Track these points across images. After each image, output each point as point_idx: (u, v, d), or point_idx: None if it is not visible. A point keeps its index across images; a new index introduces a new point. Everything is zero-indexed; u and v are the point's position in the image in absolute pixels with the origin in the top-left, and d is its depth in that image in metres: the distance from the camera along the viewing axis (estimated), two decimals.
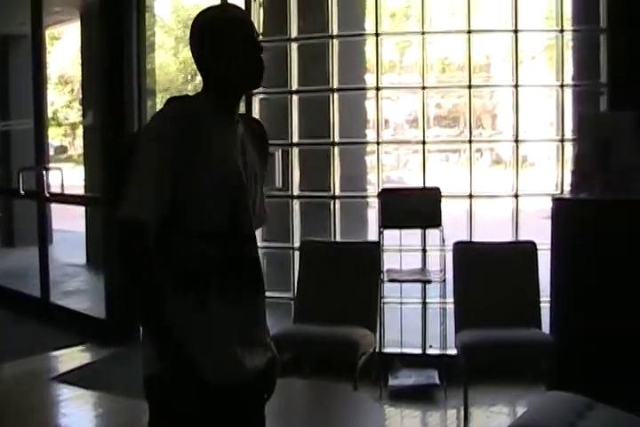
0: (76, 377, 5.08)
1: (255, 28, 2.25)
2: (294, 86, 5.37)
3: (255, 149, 2.27)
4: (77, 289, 7.74)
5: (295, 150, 5.43)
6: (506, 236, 5.17)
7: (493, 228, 5.24)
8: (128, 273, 2.04)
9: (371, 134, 5.42)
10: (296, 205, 5.43)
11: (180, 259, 2.09)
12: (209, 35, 2.17)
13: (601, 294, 4.25)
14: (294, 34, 5.36)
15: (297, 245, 5.31)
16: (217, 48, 2.15)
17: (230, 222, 2.13)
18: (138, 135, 2.50)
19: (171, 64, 20.64)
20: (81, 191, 8.22)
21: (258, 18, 5.45)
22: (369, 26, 5.40)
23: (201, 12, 2.28)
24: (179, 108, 2.13)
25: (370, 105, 5.50)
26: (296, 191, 5.42)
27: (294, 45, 5.34)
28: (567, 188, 4.87)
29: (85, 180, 8.70)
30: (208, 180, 2.07)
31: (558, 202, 4.59)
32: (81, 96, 10.15)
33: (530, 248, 4.77)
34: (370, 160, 5.43)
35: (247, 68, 2.18)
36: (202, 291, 2.09)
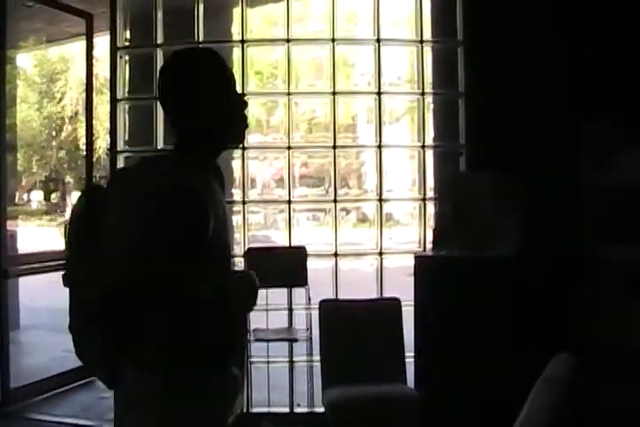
0: None
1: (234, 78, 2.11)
2: (160, 145, 5.33)
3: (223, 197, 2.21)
4: None
5: None
6: (372, 293, 5.24)
7: (359, 285, 5.30)
8: None
9: (237, 194, 5.43)
10: None
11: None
12: (187, 84, 2.03)
13: (461, 348, 4.35)
14: None
15: None
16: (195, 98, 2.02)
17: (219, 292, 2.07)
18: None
19: (34, 119, 20.18)
20: None
21: (123, 76, 5.41)
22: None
23: (178, 56, 2.12)
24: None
25: (236, 164, 5.51)
26: None
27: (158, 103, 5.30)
28: (429, 245, 5.00)
29: None
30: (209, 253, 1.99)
31: (420, 259, 4.69)
32: None
33: (394, 305, 4.84)
34: (236, 219, 5.43)
35: (231, 123, 2.06)
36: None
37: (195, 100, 2.04)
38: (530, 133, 4.95)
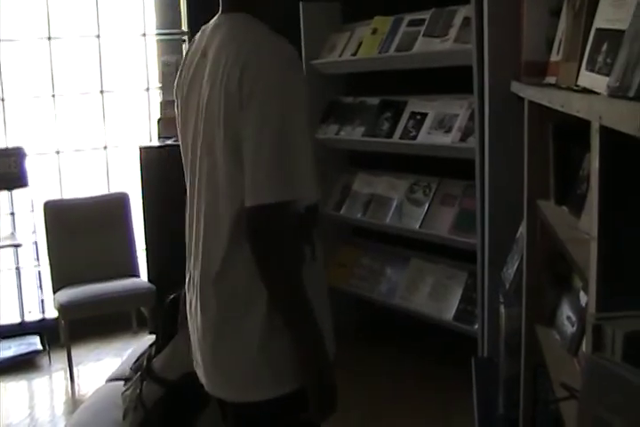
0: None
1: None
2: None
3: None
4: None
5: None
6: (101, 189, 5.01)
7: (90, 182, 5.06)
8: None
9: None
10: None
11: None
12: None
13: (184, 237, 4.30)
14: None
15: None
16: None
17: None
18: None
19: None
20: None
21: None
22: None
23: None
24: (288, 46, 1.73)
25: None
26: None
27: None
28: (155, 136, 4.85)
29: None
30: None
31: (145, 150, 4.53)
32: None
33: (121, 199, 4.67)
34: None
35: None
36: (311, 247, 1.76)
37: None
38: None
